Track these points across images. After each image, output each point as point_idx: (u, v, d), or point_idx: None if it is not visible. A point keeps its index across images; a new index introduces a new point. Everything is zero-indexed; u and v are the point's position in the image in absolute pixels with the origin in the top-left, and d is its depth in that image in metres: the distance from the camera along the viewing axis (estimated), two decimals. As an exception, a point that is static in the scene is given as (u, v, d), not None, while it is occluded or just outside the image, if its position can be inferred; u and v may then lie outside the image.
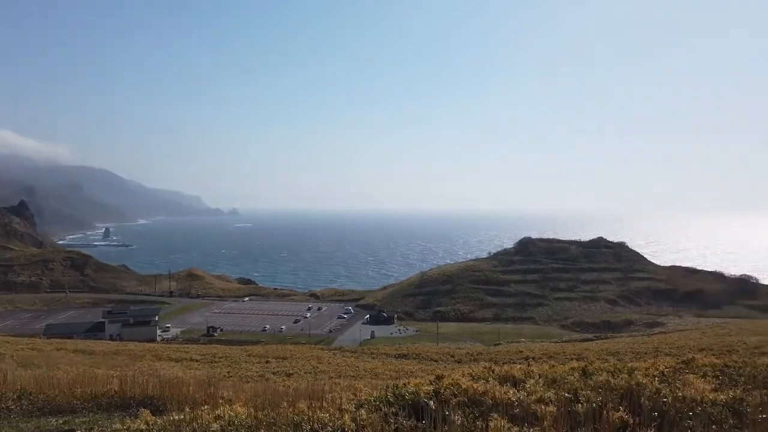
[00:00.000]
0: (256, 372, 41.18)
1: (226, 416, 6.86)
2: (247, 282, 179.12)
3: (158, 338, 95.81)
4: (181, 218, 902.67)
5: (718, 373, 9.72)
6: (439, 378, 8.36)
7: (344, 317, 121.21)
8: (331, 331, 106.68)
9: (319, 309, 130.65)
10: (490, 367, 9.78)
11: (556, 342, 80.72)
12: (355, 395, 7.92)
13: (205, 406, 7.49)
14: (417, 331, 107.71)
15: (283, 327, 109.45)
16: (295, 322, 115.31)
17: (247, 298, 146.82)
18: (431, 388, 7.83)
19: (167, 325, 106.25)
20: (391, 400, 7.38)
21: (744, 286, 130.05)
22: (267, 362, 50.24)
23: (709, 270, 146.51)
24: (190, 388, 9.15)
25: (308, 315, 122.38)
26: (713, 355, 20.11)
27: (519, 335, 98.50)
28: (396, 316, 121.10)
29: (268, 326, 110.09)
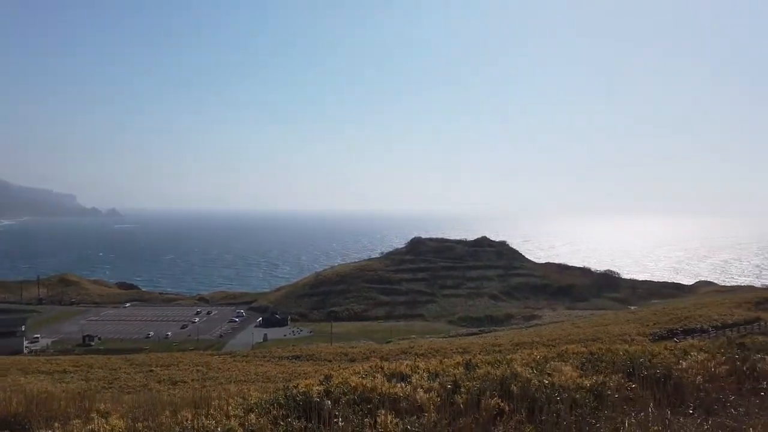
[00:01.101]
0: (139, 382, 38.92)
1: (101, 430, 6.48)
2: (129, 287, 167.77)
3: (25, 350, 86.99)
4: (52, 219, 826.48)
5: (584, 360, 10.68)
6: (329, 377, 8.48)
7: (236, 321, 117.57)
8: (221, 336, 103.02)
9: (208, 313, 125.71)
10: (379, 364, 10.05)
11: (444, 337, 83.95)
12: (244, 399, 7.80)
13: (77, 420, 7.01)
14: (311, 332, 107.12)
15: (169, 333, 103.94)
16: (183, 327, 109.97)
17: (128, 304, 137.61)
18: (321, 387, 7.91)
19: (36, 336, 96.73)
20: (282, 402, 7.36)
21: (607, 281, 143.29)
22: (150, 371, 47.57)
23: (578, 266, 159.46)
24: (62, 402, 8.49)
25: (197, 320, 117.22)
26: (581, 343, 22.03)
27: (410, 332, 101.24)
28: (290, 317, 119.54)
29: (152, 333, 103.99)
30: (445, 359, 11.64)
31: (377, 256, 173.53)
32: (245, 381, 37.69)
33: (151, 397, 10.92)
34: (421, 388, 7.81)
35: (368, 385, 7.89)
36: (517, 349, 29.32)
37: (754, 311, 58.67)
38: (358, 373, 9.22)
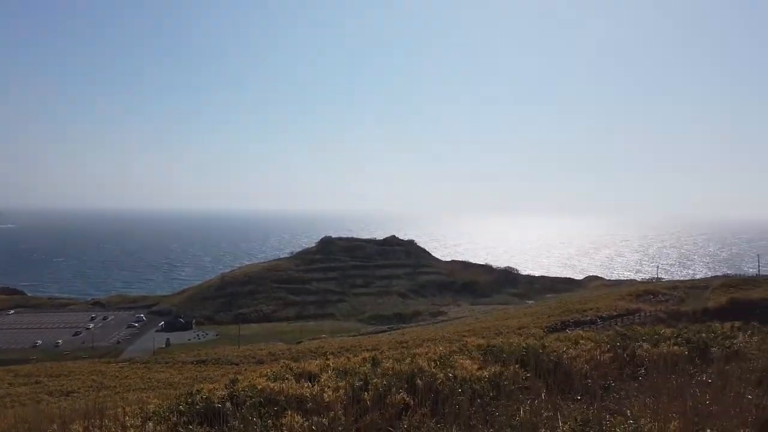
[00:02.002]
0: (26, 395, 35.88)
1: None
2: (14, 292, 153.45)
3: None
4: None
5: (484, 352, 11.19)
6: (234, 381, 8.29)
7: (135, 325, 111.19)
8: (119, 342, 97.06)
9: (104, 318, 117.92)
10: (287, 365, 9.96)
11: (354, 336, 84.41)
12: (142, 408, 7.45)
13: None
14: (217, 335, 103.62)
15: (59, 341, 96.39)
16: (75, 334, 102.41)
17: (12, 311, 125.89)
18: (226, 392, 7.72)
19: None
20: (183, 409, 7.10)
21: (507, 277, 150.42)
22: (38, 382, 43.96)
23: (481, 263, 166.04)
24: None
25: (91, 326, 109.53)
26: (482, 337, 23.01)
27: (320, 331, 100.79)
28: (194, 320, 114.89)
29: (39, 341, 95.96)
30: (354, 357, 11.75)
31: (287, 255, 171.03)
32: (145, 389, 35.87)
33: (38, 411, 10.13)
34: (329, 387, 7.84)
35: (275, 387, 7.80)
36: (423, 345, 30.13)
37: (635, 303, 64.00)
38: (266, 375, 9.08)
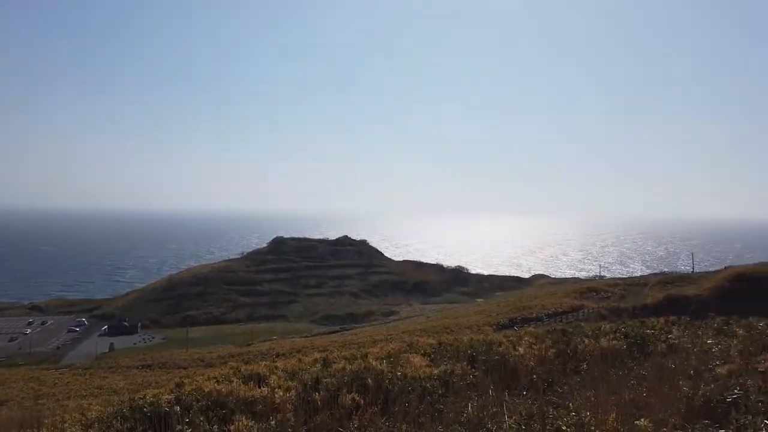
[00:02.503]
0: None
1: None
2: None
3: None
4: None
5: (433, 351, 11.37)
6: (181, 385, 8.11)
7: (76, 330, 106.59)
8: (59, 348, 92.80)
9: (43, 323, 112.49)
10: (236, 368, 9.82)
11: (306, 337, 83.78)
12: (83, 415, 7.19)
13: None
14: (164, 338, 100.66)
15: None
16: (11, 340, 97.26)
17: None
18: (172, 396, 7.55)
19: None
20: (127, 414, 6.91)
21: (458, 276, 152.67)
22: (-33, 392, 41.52)
23: (432, 263, 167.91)
24: None
25: (29, 331, 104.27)
26: (433, 335, 23.29)
27: (272, 333, 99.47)
28: (140, 324, 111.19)
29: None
30: (305, 358, 11.70)
31: (237, 256, 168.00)
32: (86, 395, 34.50)
33: (-31, 422, 9.61)
34: (279, 388, 7.79)
35: (224, 389, 7.69)
36: (375, 345, 30.25)
37: (579, 300, 66.21)
38: (214, 378, 8.94)
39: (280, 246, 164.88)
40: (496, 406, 6.44)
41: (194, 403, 7.19)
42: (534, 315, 57.83)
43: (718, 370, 6.16)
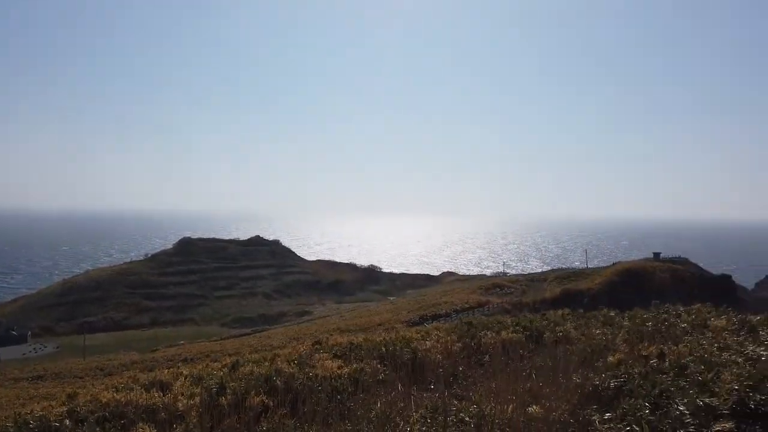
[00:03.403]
0: None
1: None
2: None
3: None
4: None
5: (345, 349, 11.44)
6: (74, 396, 7.62)
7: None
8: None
9: None
10: (136, 375, 9.38)
11: (216, 340, 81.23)
12: (-40, 434, 6.58)
13: None
14: (58, 347, 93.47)
15: None
16: None
17: None
18: (64, 408, 7.08)
19: None
20: (12, 431, 6.40)
21: (371, 275, 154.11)
22: None
23: (346, 262, 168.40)
24: None
25: None
26: (345, 334, 23.36)
27: (179, 338, 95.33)
28: (30, 332, 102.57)
29: None
30: (213, 363, 11.37)
31: (140, 258, 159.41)
32: (-35, 414, 31.30)
33: None
34: (183, 395, 7.53)
35: (123, 398, 7.31)
36: (287, 346, 29.92)
37: (485, 296, 69.10)
38: (113, 386, 8.47)
39: (187, 247, 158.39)
40: (404, 401, 6.60)
41: (89, 414, 6.78)
42: (443, 311, 59.43)
43: (604, 358, 6.67)
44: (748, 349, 5.71)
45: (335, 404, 7.08)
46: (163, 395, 7.46)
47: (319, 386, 7.84)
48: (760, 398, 4.29)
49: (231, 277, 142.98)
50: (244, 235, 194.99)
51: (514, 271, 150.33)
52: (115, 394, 7.35)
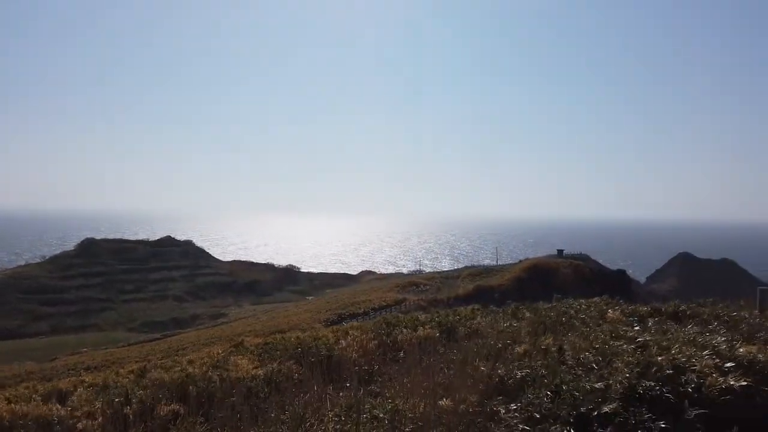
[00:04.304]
0: None
1: None
2: None
3: None
4: None
5: (260, 351, 11.26)
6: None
7: None
8: None
9: None
10: (32, 386, 8.74)
11: (122, 346, 77.02)
12: None
13: None
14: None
15: None
16: None
17: None
18: (-56, 426, 6.48)
19: None
20: None
21: (289, 275, 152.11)
22: None
23: (263, 262, 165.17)
24: None
25: None
26: (262, 336, 22.94)
27: (82, 345, 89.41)
28: None
29: None
30: (120, 370, 10.82)
31: (37, 260, 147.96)
32: None
33: None
34: (84, 405, 7.12)
35: (17, 410, 6.81)
36: (199, 349, 28.93)
37: (402, 293, 70.23)
38: (5, 398, 7.86)
39: (90, 248, 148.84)
40: (319, 400, 6.60)
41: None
42: (361, 310, 59.77)
43: (510, 350, 7.01)
44: (638, 338, 6.21)
45: (249, 407, 6.96)
46: (62, 406, 7.01)
47: (233, 389, 7.68)
48: (647, 383, 4.67)
49: (139, 279, 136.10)
50: (154, 235, 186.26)
51: (429, 270, 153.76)
52: (6, 406, 6.83)
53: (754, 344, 5.67)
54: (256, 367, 9.26)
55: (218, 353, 11.12)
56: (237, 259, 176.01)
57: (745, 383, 4.54)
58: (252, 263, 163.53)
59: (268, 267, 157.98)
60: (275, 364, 9.34)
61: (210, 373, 8.49)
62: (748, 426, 4.37)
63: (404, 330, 10.91)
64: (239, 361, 9.71)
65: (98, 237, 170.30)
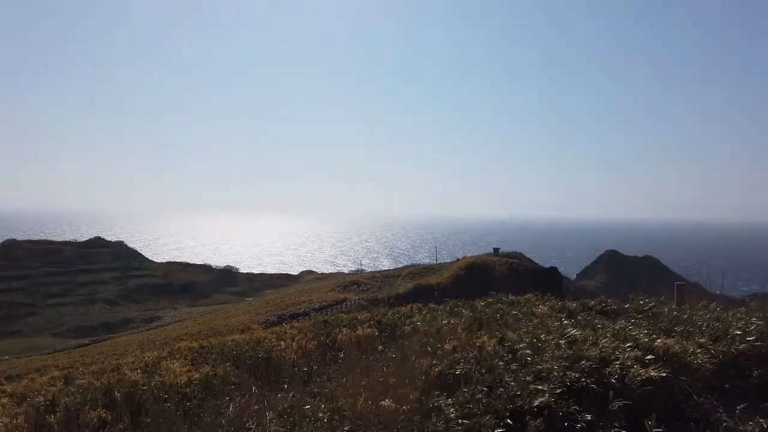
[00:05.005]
0: None
1: None
2: None
3: None
4: None
5: (195, 354, 10.94)
6: None
7: None
8: None
9: None
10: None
11: (49, 353, 73.01)
12: None
13: None
14: None
15: None
16: None
17: None
18: None
19: None
20: None
21: (227, 276, 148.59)
22: None
23: (200, 264, 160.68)
24: None
25: None
26: (198, 339, 22.34)
27: (3, 353, 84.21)
28: None
29: None
30: (42, 377, 10.25)
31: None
32: None
33: None
34: (5, 415, 6.71)
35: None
36: (131, 353, 27.83)
37: (343, 293, 70.09)
38: None
39: (12, 250, 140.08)
40: (258, 403, 6.50)
41: None
42: (302, 310, 59.21)
43: (447, 346, 7.14)
44: (567, 332, 6.47)
45: (183, 412, 6.77)
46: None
47: (165, 395, 7.43)
48: (574, 376, 4.88)
49: (66, 282, 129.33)
50: (83, 236, 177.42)
51: (369, 269, 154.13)
52: None
53: (672, 337, 6.03)
54: (189, 371, 8.99)
55: (151, 358, 10.73)
56: (172, 260, 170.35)
57: (664, 374, 4.82)
58: (188, 264, 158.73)
59: (205, 268, 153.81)
60: (210, 367, 9.11)
61: (139, 378, 8.18)
62: (667, 413, 4.66)
63: (344, 330, 10.91)
64: (173, 366, 9.40)
65: (20, 238, 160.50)
